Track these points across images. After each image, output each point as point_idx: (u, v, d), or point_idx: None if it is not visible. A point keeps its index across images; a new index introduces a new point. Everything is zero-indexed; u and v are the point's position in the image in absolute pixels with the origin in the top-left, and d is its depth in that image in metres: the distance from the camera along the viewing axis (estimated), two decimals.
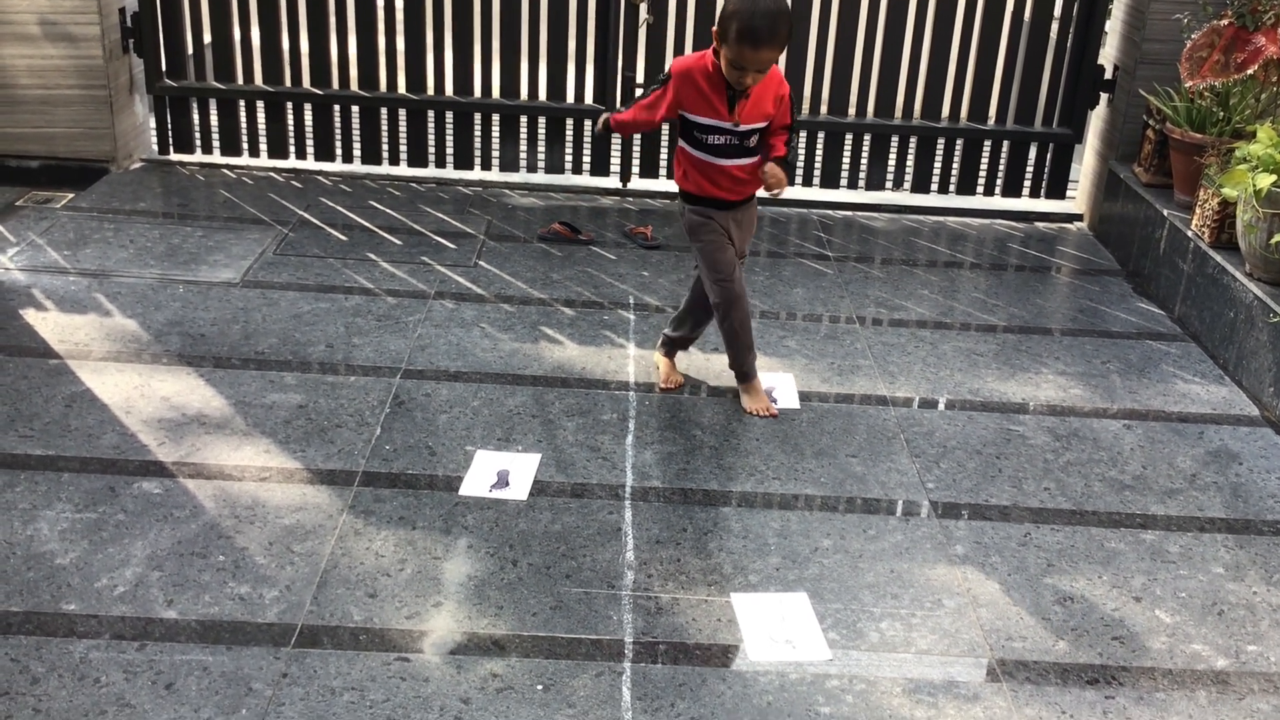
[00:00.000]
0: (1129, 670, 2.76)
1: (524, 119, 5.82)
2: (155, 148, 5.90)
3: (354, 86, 5.78)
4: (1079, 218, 5.81)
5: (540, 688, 2.60)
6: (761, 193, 3.65)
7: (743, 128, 3.49)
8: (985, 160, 5.90)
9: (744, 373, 3.81)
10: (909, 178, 5.93)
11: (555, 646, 2.73)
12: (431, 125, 5.83)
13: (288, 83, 5.76)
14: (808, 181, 5.95)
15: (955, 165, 5.90)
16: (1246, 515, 3.40)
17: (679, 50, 5.66)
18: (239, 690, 2.53)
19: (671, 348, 4.00)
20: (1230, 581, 3.11)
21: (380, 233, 5.09)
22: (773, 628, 2.82)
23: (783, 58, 5.62)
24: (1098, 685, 2.71)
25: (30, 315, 4.13)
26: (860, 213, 5.76)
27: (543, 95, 5.76)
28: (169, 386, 3.72)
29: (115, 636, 2.66)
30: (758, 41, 3.26)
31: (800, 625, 2.83)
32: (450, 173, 5.89)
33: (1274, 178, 4.00)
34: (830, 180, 5.91)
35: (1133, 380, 4.17)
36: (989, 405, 3.94)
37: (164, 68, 5.70)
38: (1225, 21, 4.83)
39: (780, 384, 3.96)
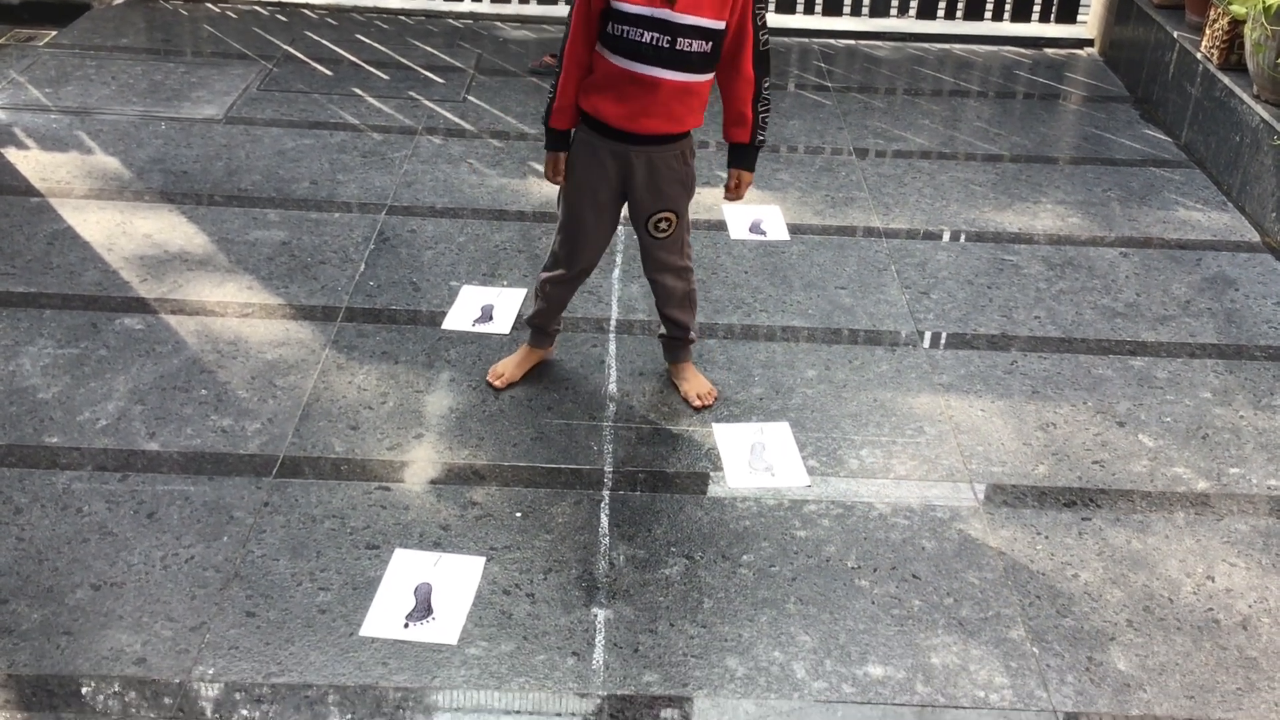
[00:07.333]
0: (1107, 493, 2.76)
1: None
2: None
3: None
4: (1090, 43, 5.61)
5: (519, 514, 2.62)
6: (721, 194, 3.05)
7: (680, 19, 2.56)
8: None
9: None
10: (914, 3, 5.72)
11: (535, 476, 2.74)
12: None
13: None
14: (809, 9, 5.76)
15: None
16: (1239, 340, 3.36)
17: None
18: (220, 518, 2.56)
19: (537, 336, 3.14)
20: (1217, 406, 3.08)
21: (367, 67, 4.97)
22: (753, 456, 2.83)
23: None
24: (1074, 508, 2.71)
25: (11, 153, 4.07)
26: (863, 41, 5.58)
27: None
28: (151, 224, 3.68)
29: (97, 468, 2.68)
30: None
31: (780, 453, 2.84)
32: (440, 4, 5.71)
33: None
34: (832, 7, 5.71)
35: (1133, 208, 4.08)
36: (984, 235, 3.87)
37: None
38: None
39: (767, 215, 3.90)
